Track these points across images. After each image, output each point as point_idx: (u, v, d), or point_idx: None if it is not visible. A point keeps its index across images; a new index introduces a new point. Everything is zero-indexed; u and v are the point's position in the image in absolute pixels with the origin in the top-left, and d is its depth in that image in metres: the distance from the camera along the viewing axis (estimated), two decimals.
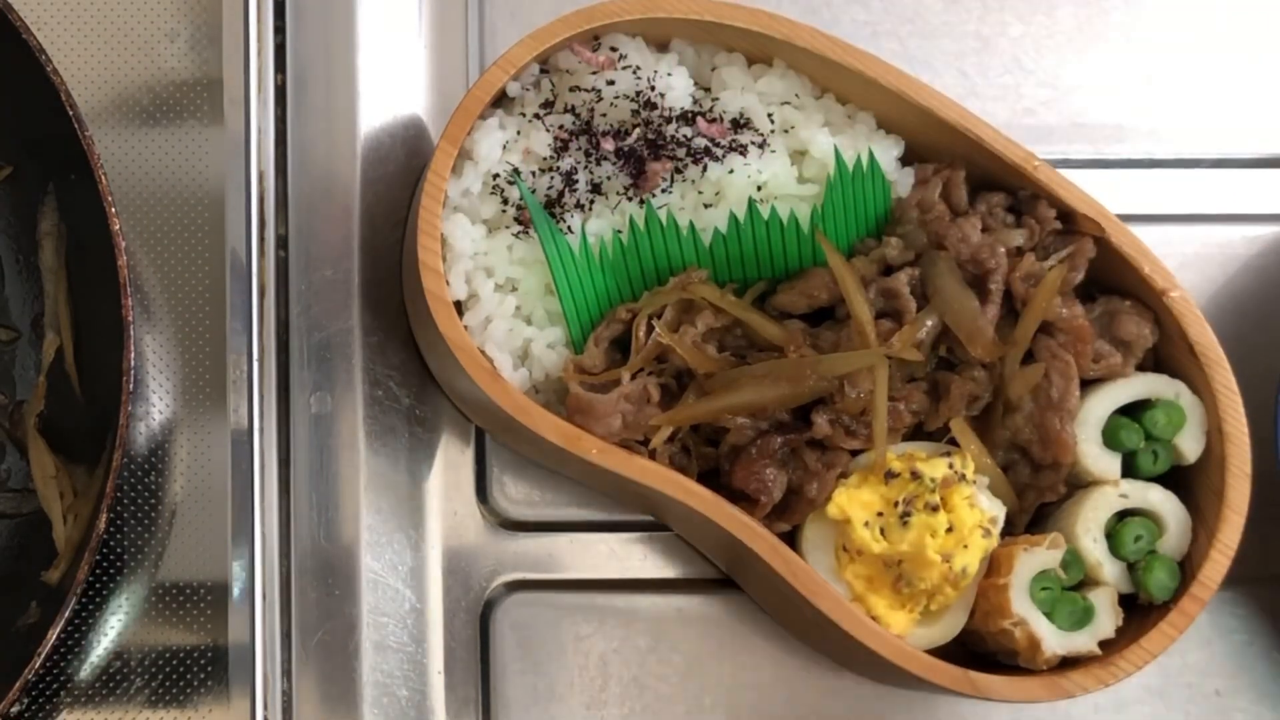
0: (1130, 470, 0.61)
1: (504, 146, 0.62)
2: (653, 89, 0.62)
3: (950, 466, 0.59)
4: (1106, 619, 0.59)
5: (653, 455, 0.61)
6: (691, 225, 0.61)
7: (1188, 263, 0.69)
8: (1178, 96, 0.71)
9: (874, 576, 0.59)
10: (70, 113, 0.59)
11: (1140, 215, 0.66)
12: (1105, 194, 0.63)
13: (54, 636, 0.57)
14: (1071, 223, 0.62)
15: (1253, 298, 0.70)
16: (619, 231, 0.62)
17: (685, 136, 0.62)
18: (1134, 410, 0.61)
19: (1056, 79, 0.71)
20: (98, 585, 0.64)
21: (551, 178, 0.62)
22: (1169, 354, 0.62)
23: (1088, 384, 0.61)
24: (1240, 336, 0.65)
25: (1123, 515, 0.61)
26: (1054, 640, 0.59)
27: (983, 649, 0.61)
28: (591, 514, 0.67)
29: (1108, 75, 0.71)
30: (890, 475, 0.59)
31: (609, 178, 0.62)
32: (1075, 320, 0.61)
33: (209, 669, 0.64)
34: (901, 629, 0.60)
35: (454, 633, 0.66)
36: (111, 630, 0.64)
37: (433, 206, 0.60)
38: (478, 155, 0.61)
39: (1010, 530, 0.61)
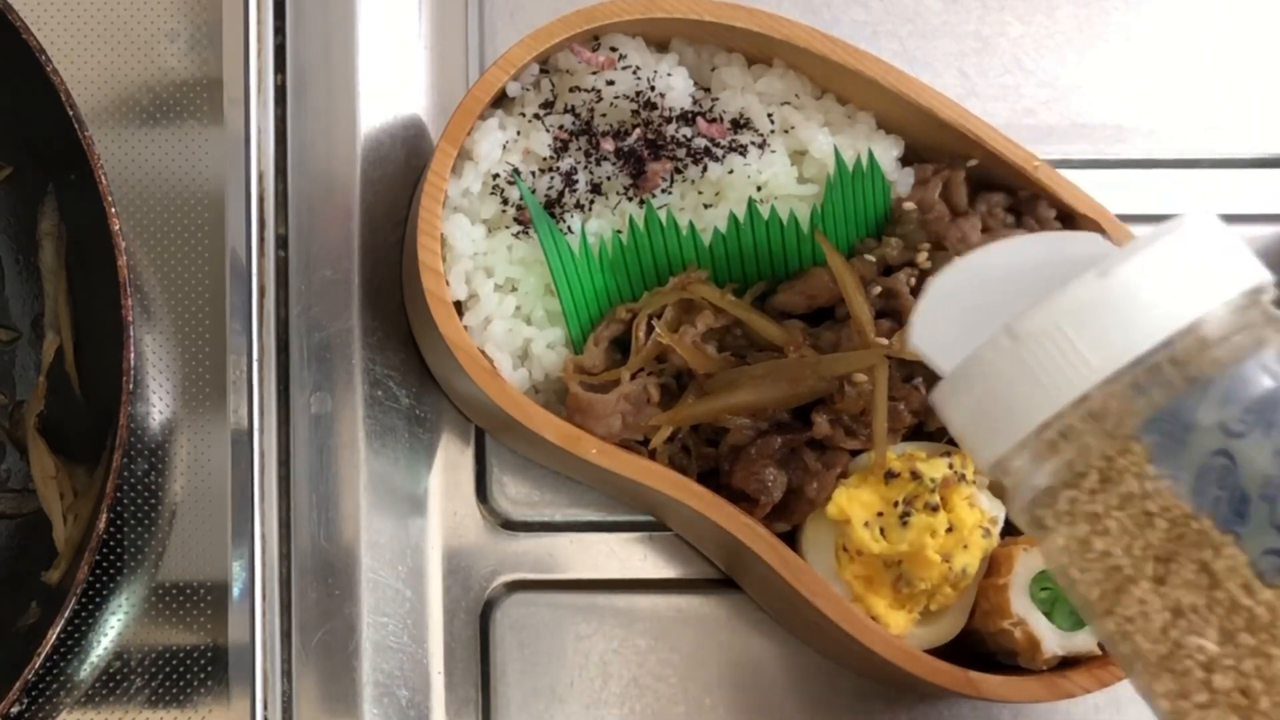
0: None
1: (504, 146, 0.62)
2: (653, 89, 0.62)
3: (950, 466, 0.59)
4: None
5: (653, 455, 0.61)
6: (691, 225, 0.62)
7: None
8: (1178, 96, 0.71)
9: (874, 576, 0.59)
10: (70, 113, 0.59)
11: (1140, 215, 0.66)
12: (1105, 194, 0.63)
13: (54, 636, 0.57)
14: (1071, 223, 0.62)
15: None
16: (619, 231, 0.62)
17: (685, 136, 0.62)
18: None
19: (1056, 79, 0.71)
20: (98, 585, 0.64)
21: (551, 178, 0.62)
22: None
23: None
24: None
25: None
26: (1054, 640, 0.59)
27: (983, 649, 0.61)
28: (591, 514, 0.67)
29: (1108, 75, 0.71)
30: (890, 475, 0.59)
31: (609, 178, 0.62)
32: None
33: (209, 669, 0.64)
34: (901, 629, 0.60)
35: (454, 633, 0.66)
36: (111, 630, 0.64)
37: (433, 207, 0.60)
38: (478, 155, 0.61)
39: (1010, 530, 0.61)
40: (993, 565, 0.60)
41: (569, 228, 0.62)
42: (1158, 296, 0.42)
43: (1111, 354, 0.42)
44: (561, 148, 0.62)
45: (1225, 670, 0.41)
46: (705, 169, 0.62)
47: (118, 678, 0.64)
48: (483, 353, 0.61)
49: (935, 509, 0.58)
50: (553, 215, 0.62)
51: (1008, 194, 0.63)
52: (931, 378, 0.61)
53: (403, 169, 0.68)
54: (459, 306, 0.62)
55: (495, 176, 0.62)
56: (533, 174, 0.62)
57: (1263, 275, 0.44)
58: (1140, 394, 0.42)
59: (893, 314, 0.61)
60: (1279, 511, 0.41)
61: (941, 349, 0.47)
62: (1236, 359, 0.42)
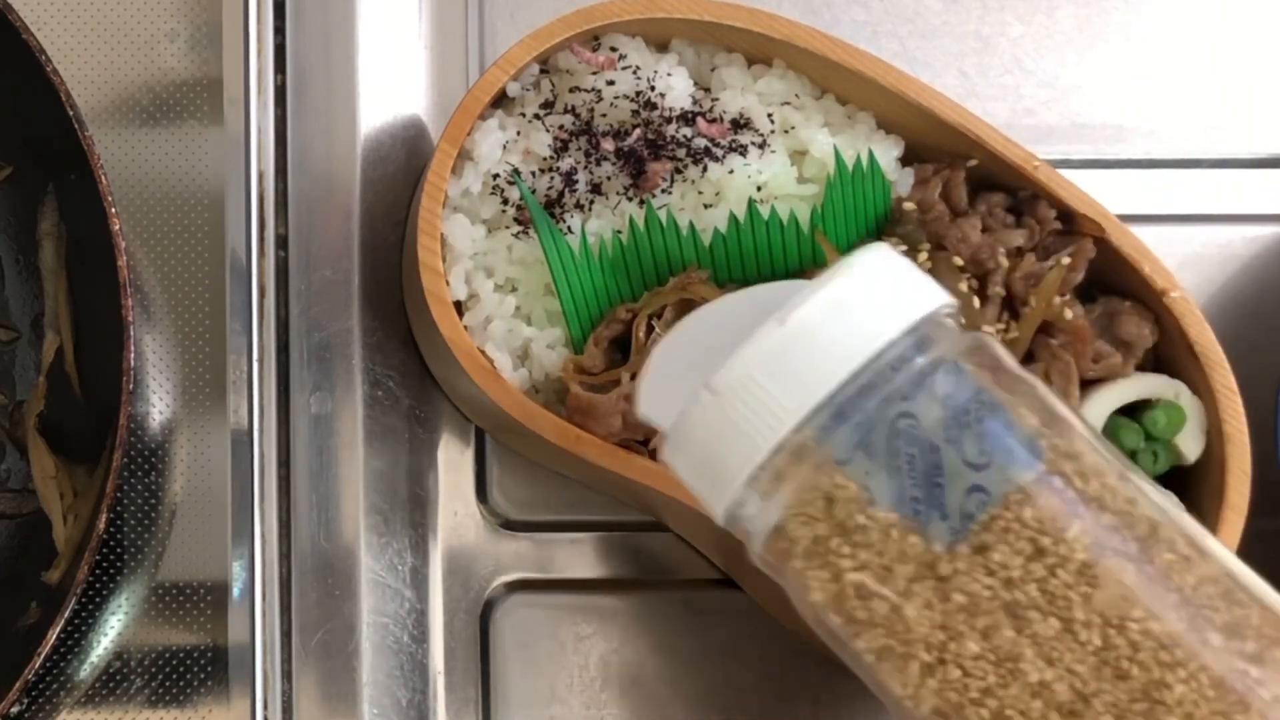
0: None
1: (504, 147, 0.62)
2: (653, 89, 0.62)
3: None
4: None
5: (653, 455, 0.61)
6: (691, 225, 0.62)
7: (1187, 263, 0.69)
8: (1178, 96, 0.71)
9: None
10: (70, 113, 0.59)
11: (1140, 215, 0.66)
12: (1105, 194, 0.63)
13: (54, 636, 0.57)
14: (1071, 223, 0.62)
15: (1252, 298, 0.70)
16: (619, 231, 0.62)
17: (685, 136, 0.62)
18: (1134, 410, 0.61)
19: (1056, 79, 0.71)
20: (98, 585, 0.64)
21: (551, 178, 0.62)
22: (1169, 354, 0.62)
23: (1087, 384, 0.61)
24: (1240, 336, 0.65)
25: None
26: None
27: None
28: (591, 514, 0.67)
29: (1108, 75, 0.71)
30: None
31: (609, 178, 0.62)
32: (1075, 320, 0.61)
33: (209, 669, 0.64)
34: None
35: (454, 633, 0.66)
36: (111, 630, 0.64)
37: (433, 207, 0.60)
38: (478, 155, 0.61)
39: None
40: None
41: (569, 228, 0.62)
42: (836, 335, 0.45)
43: (803, 395, 0.44)
44: (561, 148, 0.62)
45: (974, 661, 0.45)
46: (705, 169, 0.62)
47: (118, 678, 0.64)
48: (483, 353, 0.61)
49: None
50: (553, 215, 0.62)
51: (1008, 194, 0.63)
52: None
53: (403, 169, 0.68)
54: (459, 306, 0.62)
55: (495, 176, 0.62)
56: (533, 174, 0.62)
57: (939, 299, 0.46)
58: (838, 425, 0.45)
59: None
60: (965, 450, 0.44)
61: (668, 413, 0.50)
62: (920, 381, 0.45)
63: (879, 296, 0.46)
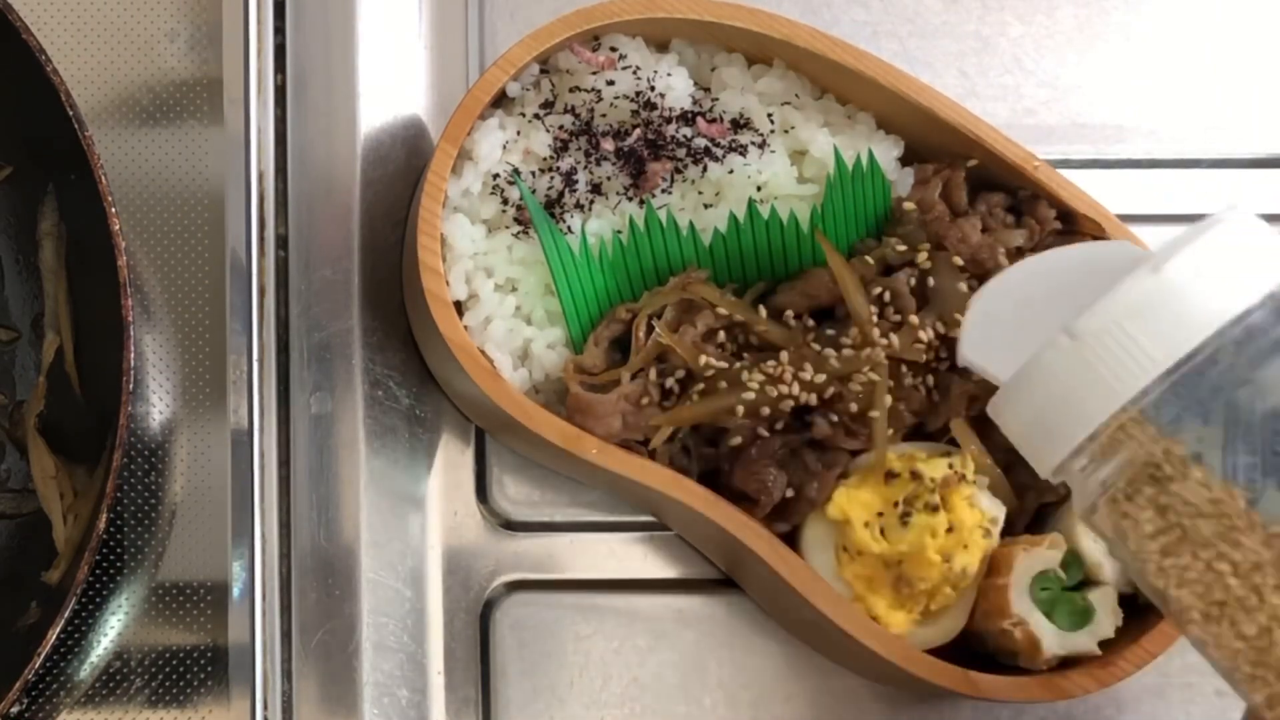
0: None
1: (504, 146, 0.62)
2: (653, 89, 0.62)
3: (950, 467, 0.59)
4: (1106, 619, 0.59)
5: (653, 455, 0.61)
6: (691, 225, 0.62)
7: None
8: (1178, 96, 0.71)
9: (874, 577, 0.59)
10: (70, 113, 0.59)
11: (1140, 215, 0.66)
12: (1105, 194, 0.63)
13: (54, 636, 0.57)
14: (1071, 223, 0.62)
15: None
16: (619, 231, 0.62)
17: (685, 136, 0.62)
18: None
19: (1056, 79, 0.71)
20: (98, 585, 0.64)
21: (551, 178, 0.62)
22: None
23: None
24: None
25: None
26: (1054, 640, 0.59)
27: (983, 649, 0.61)
28: (591, 514, 0.67)
29: (1108, 75, 0.71)
30: (890, 475, 0.59)
31: (609, 178, 0.62)
32: None
33: (209, 669, 0.64)
34: (901, 629, 0.60)
35: (454, 633, 0.66)
36: (111, 630, 0.64)
37: (433, 206, 0.60)
38: (478, 155, 0.61)
39: (1010, 530, 0.61)
40: (993, 565, 0.60)
41: (569, 228, 0.62)
42: (1208, 289, 0.44)
43: (1170, 347, 0.44)
44: (561, 148, 0.62)
45: None
46: (705, 169, 0.62)
47: (118, 678, 0.64)
48: (483, 353, 0.61)
49: (935, 509, 0.58)
50: (553, 215, 0.62)
51: (1008, 194, 0.63)
52: (931, 380, 0.61)
53: (403, 169, 0.68)
54: (459, 306, 0.62)
55: (495, 176, 0.62)
56: (533, 174, 0.62)
57: None
58: (1185, 385, 0.44)
59: (893, 314, 0.61)
60: None
61: (992, 359, 0.49)
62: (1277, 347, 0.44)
63: (1244, 257, 0.45)
